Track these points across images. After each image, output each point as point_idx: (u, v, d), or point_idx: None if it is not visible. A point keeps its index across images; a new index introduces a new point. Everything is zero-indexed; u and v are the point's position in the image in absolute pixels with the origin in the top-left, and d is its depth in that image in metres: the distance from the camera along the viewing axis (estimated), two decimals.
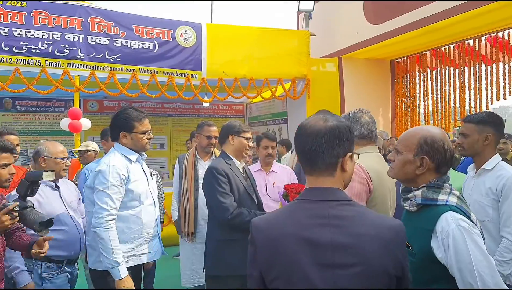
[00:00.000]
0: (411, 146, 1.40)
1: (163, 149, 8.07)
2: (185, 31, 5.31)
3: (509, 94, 5.25)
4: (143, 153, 2.51)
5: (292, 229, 1.06)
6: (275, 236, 1.07)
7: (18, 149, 2.85)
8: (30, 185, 1.98)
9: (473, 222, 1.30)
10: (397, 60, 6.52)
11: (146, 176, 2.48)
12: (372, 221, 1.06)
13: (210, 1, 7.91)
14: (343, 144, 1.10)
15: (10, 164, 2.02)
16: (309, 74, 6.04)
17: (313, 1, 6.06)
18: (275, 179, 3.35)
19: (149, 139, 2.45)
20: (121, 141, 2.40)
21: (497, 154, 2.18)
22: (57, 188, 2.57)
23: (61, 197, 2.55)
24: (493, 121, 2.16)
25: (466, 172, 2.39)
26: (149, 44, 5.08)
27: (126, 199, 2.31)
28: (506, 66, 5.26)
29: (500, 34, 5.19)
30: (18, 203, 1.87)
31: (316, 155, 1.09)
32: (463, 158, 3.43)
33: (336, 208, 1.06)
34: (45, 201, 2.45)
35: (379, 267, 1.00)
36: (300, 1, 6.03)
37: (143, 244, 2.38)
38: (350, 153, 1.12)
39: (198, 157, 3.39)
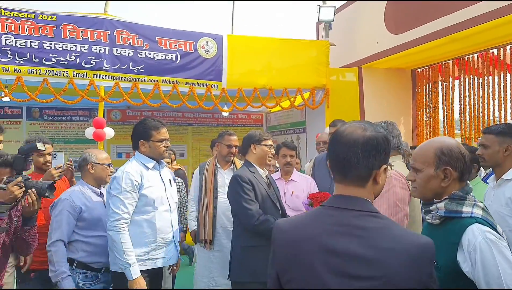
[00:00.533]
0: (429, 160, 1.37)
1: (183, 158, 8.17)
2: (207, 42, 5.41)
3: None
4: (162, 161, 2.59)
5: (311, 233, 1.05)
6: (294, 239, 1.06)
7: (50, 157, 2.98)
8: (25, 159, 2.00)
9: (500, 234, 1.28)
10: (419, 70, 6.43)
11: (164, 182, 2.54)
12: (399, 236, 1.00)
13: (231, 6, 7.98)
14: (379, 156, 1.05)
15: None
16: (328, 83, 6.03)
17: (333, 12, 6.07)
18: (294, 188, 3.36)
19: (167, 147, 2.53)
20: (140, 149, 2.51)
21: None
22: (101, 195, 2.64)
23: (104, 204, 2.61)
24: None
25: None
26: (171, 55, 5.20)
27: (140, 204, 2.40)
28: None
29: None
30: (22, 177, 1.93)
31: (350, 165, 1.04)
32: (489, 170, 3.36)
33: (360, 219, 1.03)
34: (92, 206, 2.52)
35: (400, 283, 0.95)
36: (321, 11, 6.07)
37: (157, 249, 2.44)
38: (384, 166, 1.07)
39: (218, 166, 3.44)
